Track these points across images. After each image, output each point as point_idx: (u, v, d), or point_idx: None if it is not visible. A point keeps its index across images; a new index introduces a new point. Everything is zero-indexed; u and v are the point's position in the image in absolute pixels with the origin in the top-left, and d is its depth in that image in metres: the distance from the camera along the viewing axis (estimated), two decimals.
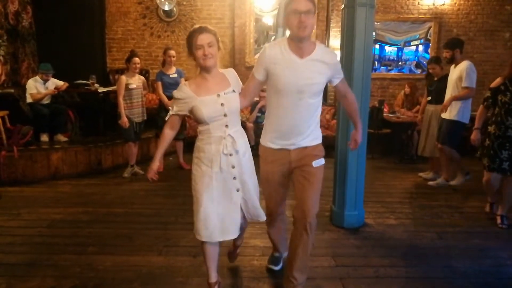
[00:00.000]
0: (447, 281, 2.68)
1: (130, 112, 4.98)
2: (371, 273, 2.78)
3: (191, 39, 2.16)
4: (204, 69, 2.21)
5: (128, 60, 5.03)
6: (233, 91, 2.24)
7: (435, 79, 5.05)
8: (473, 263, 2.94)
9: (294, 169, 2.34)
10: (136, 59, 5.00)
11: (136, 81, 5.02)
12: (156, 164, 2.30)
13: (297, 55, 2.17)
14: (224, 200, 2.24)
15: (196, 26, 2.20)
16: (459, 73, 4.48)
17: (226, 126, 2.20)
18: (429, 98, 5.11)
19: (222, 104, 2.17)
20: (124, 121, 4.89)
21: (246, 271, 2.77)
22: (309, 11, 2.09)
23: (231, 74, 2.32)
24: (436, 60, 5.09)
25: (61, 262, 2.86)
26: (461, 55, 4.62)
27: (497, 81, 3.65)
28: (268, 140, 2.34)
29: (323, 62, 2.20)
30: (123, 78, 4.93)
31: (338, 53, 5.16)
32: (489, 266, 2.90)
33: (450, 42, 4.71)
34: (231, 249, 2.81)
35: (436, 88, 4.98)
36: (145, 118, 5.20)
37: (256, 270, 2.80)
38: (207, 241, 2.25)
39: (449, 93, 4.62)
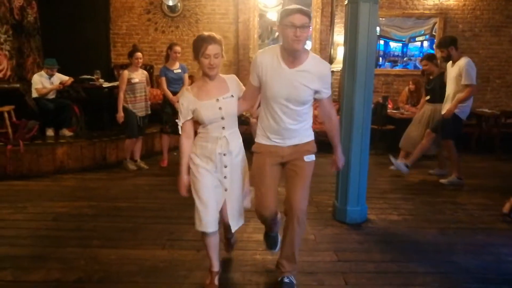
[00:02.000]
0: (448, 276, 2.69)
1: (133, 106, 5.01)
2: (373, 268, 2.80)
3: (199, 46, 2.23)
4: (207, 76, 2.32)
5: (131, 54, 5.05)
6: (232, 96, 2.35)
7: (431, 77, 5.00)
8: (475, 258, 2.95)
9: (286, 163, 2.41)
10: (139, 54, 5.02)
11: (139, 76, 5.05)
12: (185, 177, 2.38)
13: (286, 64, 2.23)
14: (216, 195, 2.36)
15: (205, 34, 2.28)
16: (457, 70, 4.44)
17: (223, 128, 2.33)
18: (428, 97, 5.03)
19: (220, 108, 2.30)
20: (120, 115, 4.96)
21: (248, 265, 2.80)
22: (304, 25, 2.12)
23: (232, 80, 2.42)
24: (428, 57, 5.03)
25: (66, 255, 2.90)
26: (457, 51, 4.58)
27: None
28: (261, 138, 2.42)
29: (311, 73, 2.23)
30: (126, 72, 4.97)
31: (342, 49, 5.15)
32: (490, 262, 2.90)
33: (443, 41, 4.69)
34: (225, 242, 2.88)
35: (434, 87, 4.92)
36: (149, 112, 5.23)
37: (258, 264, 2.82)
38: (204, 231, 2.36)
39: (449, 91, 4.58)
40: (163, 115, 5.30)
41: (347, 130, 3.48)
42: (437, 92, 4.85)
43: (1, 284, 2.53)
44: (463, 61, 4.42)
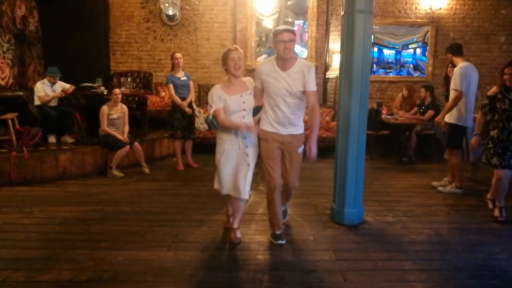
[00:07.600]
0: (441, 273, 2.83)
1: None
2: (370, 266, 2.93)
3: (227, 53, 3.06)
4: (234, 76, 3.09)
5: (109, 91, 5.43)
6: (250, 93, 3.15)
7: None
8: (467, 256, 3.09)
9: (284, 150, 3.15)
10: (117, 91, 5.37)
11: (117, 112, 5.38)
12: (242, 125, 3.04)
13: (281, 69, 3.01)
14: (237, 169, 3.12)
15: (232, 46, 3.15)
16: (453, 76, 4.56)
17: (243, 117, 3.11)
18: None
19: (244, 102, 3.09)
20: (123, 138, 5.36)
21: (252, 265, 2.92)
22: (291, 40, 2.93)
23: (249, 81, 3.21)
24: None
25: (76, 257, 3.01)
26: (457, 57, 4.63)
27: (493, 89, 3.89)
28: (266, 126, 3.14)
29: (298, 72, 2.99)
30: (105, 108, 5.30)
31: (337, 56, 5.26)
32: (482, 260, 3.05)
33: (447, 48, 4.78)
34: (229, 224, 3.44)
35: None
36: None
37: (261, 263, 2.95)
38: (225, 193, 3.21)
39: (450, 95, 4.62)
40: (174, 121, 5.47)
41: (344, 136, 3.62)
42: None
43: (15, 285, 2.62)
44: (458, 67, 4.51)
